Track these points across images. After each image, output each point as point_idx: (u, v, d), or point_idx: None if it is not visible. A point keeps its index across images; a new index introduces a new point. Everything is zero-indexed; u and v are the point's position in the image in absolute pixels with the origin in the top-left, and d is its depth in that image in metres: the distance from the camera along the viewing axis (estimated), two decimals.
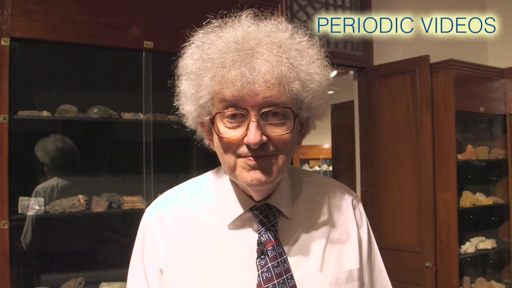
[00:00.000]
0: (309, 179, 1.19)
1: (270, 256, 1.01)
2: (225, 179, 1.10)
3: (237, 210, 1.05)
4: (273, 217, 1.05)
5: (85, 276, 2.57)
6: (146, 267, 1.08)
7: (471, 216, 4.03)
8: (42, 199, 2.47)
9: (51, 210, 2.48)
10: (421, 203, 3.58)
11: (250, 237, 1.05)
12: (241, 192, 1.06)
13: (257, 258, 1.02)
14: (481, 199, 3.92)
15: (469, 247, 3.75)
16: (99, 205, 2.56)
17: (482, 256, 4.03)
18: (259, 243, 1.03)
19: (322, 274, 1.05)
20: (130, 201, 2.61)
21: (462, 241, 3.76)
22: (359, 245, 1.13)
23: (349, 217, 1.15)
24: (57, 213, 2.48)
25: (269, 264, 1.01)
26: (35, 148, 2.63)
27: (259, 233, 1.03)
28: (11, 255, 2.28)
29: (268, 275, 1.00)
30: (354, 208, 1.17)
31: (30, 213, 2.42)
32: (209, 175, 1.16)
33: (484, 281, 3.88)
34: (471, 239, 3.88)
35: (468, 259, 3.89)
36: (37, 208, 2.43)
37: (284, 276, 1.01)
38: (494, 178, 4.21)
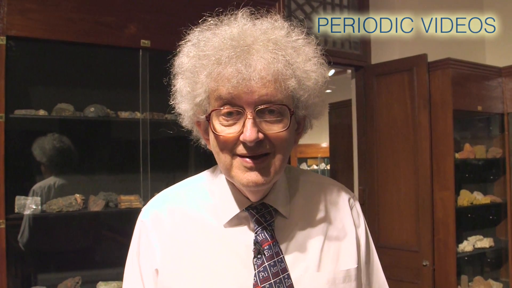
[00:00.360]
0: (306, 178, 1.18)
1: (266, 255, 1.01)
2: (222, 178, 1.09)
3: (234, 209, 1.05)
4: (269, 216, 1.05)
5: (82, 275, 2.56)
6: (142, 267, 1.07)
7: (469, 215, 4.03)
8: (39, 198, 2.45)
9: (48, 209, 2.47)
10: (418, 202, 3.58)
11: (246, 236, 1.04)
12: (237, 192, 1.06)
13: (253, 258, 1.01)
14: (479, 198, 3.93)
15: (466, 246, 3.76)
16: (96, 204, 2.55)
17: (479, 255, 4.03)
18: (256, 242, 1.02)
19: (320, 273, 1.04)
20: (127, 200, 2.61)
21: (459, 240, 3.76)
22: (357, 245, 1.12)
23: (346, 216, 1.15)
24: (54, 212, 2.47)
25: (266, 264, 1.00)
26: (32, 147, 2.62)
27: (256, 233, 1.03)
28: (8, 254, 2.27)
29: (265, 274, 1.00)
30: (351, 208, 1.17)
31: (27, 212, 2.41)
32: (205, 175, 1.16)
33: (481, 280, 3.88)
34: (469, 238, 3.88)
35: (466, 258, 3.89)
36: (34, 207, 2.42)
37: (281, 276, 1.00)
38: (491, 177, 4.21)
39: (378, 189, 3.86)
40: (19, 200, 2.40)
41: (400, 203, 3.70)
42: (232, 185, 1.06)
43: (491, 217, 4.16)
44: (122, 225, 2.77)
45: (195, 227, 1.06)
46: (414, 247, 3.59)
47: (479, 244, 3.85)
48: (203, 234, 1.05)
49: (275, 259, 1.01)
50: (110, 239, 2.79)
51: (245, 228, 1.05)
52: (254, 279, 1.00)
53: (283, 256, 1.03)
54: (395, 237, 3.71)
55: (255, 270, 1.00)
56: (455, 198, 3.58)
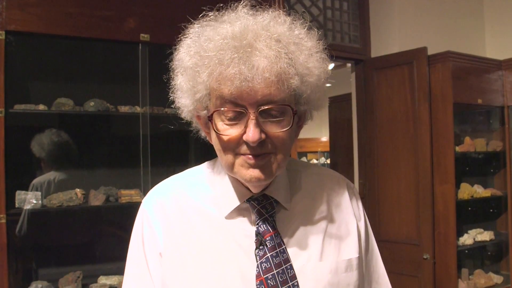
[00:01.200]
0: (307, 170, 1.18)
1: (268, 246, 1.01)
2: (222, 172, 1.09)
3: (235, 201, 1.05)
4: (270, 208, 1.05)
5: (83, 270, 2.57)
6: (147, 252, 1.07)
7: (469, 208, 4.04)
8: (39, 193, 2.45)
9: (49, 204, 2.46)
10: (419, 195, 3.58)
11: (248, 227, 1.04)
12: (238, 184, 1.06)
13: (255, 249, 1.01)
14: (479, 191, 3.93)
15: (467, 239, 3.76)
16: (97, 199, 2.55)
17: (480, 248, 4.04)
18: (257, 233, 1.02)
19: (322, 263, 1.04)
20: (127, 195, 2.61)
21: (460, 233, 3.76)
22: (357, 235, 1.13)
23: (347, 207, 1.15)
24: (54, 207, 2.47)
25: (268, 255, 1.00)
26: (31, 142, 2.61)
27: (257, 224, 1.03)
28: (8, 249, 2.28)
29: (267, 265, 1.00)
30: (351, 199, 1.17)
31: (27, 207, 2.41)
32: (204, 168, 1.15)
33: (482, 273, 3.89)
34: (469, 231, 3.88)
35: (466, 251, 3.90)
36: (34, 202, 2.42)
37: (284, 266, 1.01)
38: (492, 170, 4.21)
39: (378, 183, 3.86)
40: (20, 195, 2.40)
41: (401, 196, 3.70)
42: (232, 178, 1.06)
43: (491, 210, 4.16)
44: (122, 219, 2.77)
45: (198, 217, 1.06)
46: (415, 241, 3.59)
47: (480, 237, 3.86)
48: (205, 225, 1.05)
49: (277, 250, 1.01)
50: (110, 233, 2.79)
51: (246, 219, 1.05)
52: (256, 270, 1.00)
53: (285, 247, 1.03)
54: (396, 230, 3.71)
55: (257, 261, 1.00)
56: (455, 191, 3.58)
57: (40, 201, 2.44)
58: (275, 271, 0.99)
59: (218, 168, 1.11)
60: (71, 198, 2.50)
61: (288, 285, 1.00)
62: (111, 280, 2.53)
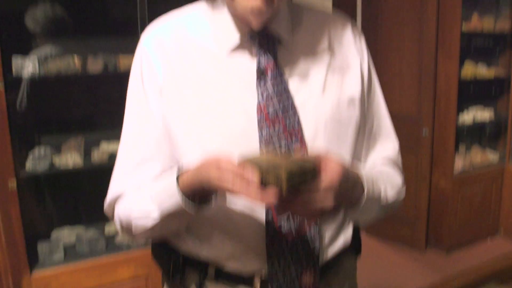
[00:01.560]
0: (310, 9, 1.15)
1: (269, 78, 1.00)
2: (221, 7, 1.05)
3: (236, 36, 1.03)
4: (272, 42, 1.03)
5: (85, 136, 2.60)
6: (146, 89, 1.06)
7: (471, 88, 4.02)
8: (36, 59, 2.40)
9: (46, 71, 2.42)
10: (421, 71, 3.55)
11: (249, 61, 1.03)
12: (239, 20, 1.03)
13: (256, 81, 1.01)
14: (483, 71, 3.89)
15: (466, 118, 3.78)
16: (95, 66, 2.51)
17: (479, 127, 4.09)
18: (258, 65, 1.01)
19: (324, 97, 1.04)
20: (126, 62, 2.56)
21: (460, 112, 3.77)
22: (360, 76, 1.12)
23: (350, 46, 1.13)
24: (52, 75, 2.43)
25: (269, 87, 1.00)
26: (25, 17, 2.53)
27: (258, 57, 1.02)
28: (9, 118, 2.28)
29: (268, 97, 1.00)
30: (355, 36, 1.15)
31: (25, 72, 2.36)
32: (203, 5, 1.11)
33: (479, 150, 3.96)
34: (470, 110, 3.89)
35: (465, 129, 3.95)
36: (32, 68, 2.36)
37: (285, 98, 1.01)
38: (497, 51, 4.13)
39: (381, 58, 3.79)
40: (16, 59, 2.34)
41: (403, 72, 3.67)
42: (233, 13, 1.03)
43: (493, 91, 4.14)
44: (121, 87, 2.74)
45: (198, 54, 1.04)
46: (415, 117, 3.61)
47: (479, 116, 3.88)
48: (206, 61, 1.04)
49: (278, 82, 1.01)
50: (111, 100, 2.78)
51: (247, 54, 1.04)
52: (257, 101, 1.00)
53: (287, 80, 1.03)
54: (396, 105, 3.71)
55: (258, 93, 1.01)
56: (458, 69, 3.54)
57: (37, 67, 2.38)
58: (276, 103, 1.00)
59: (217, 3, 1.07)
60: (69, 65, 2.45)
61: (289, 117, 1.00)
62: (113, 145, 2.56)
